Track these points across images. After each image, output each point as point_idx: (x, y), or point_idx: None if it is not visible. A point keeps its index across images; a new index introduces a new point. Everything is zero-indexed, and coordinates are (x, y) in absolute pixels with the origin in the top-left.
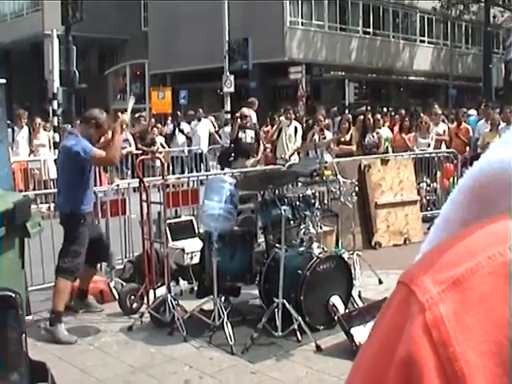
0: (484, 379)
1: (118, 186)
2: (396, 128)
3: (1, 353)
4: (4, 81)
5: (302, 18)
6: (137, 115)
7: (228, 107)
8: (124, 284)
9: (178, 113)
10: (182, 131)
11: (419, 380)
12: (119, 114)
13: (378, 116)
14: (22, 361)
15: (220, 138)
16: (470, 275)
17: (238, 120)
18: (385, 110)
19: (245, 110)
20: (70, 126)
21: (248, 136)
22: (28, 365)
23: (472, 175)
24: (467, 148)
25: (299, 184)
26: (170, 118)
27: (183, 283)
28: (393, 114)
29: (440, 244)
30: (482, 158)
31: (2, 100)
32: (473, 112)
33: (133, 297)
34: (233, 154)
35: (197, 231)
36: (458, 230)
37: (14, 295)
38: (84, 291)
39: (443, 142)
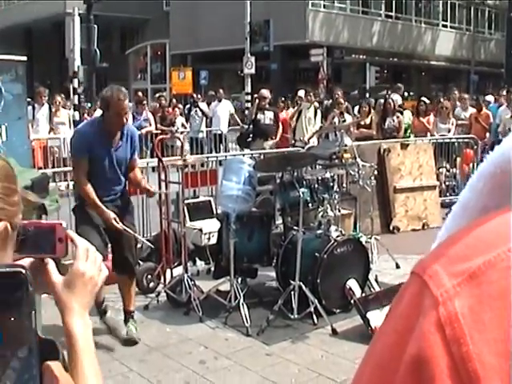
0: (500, 383)
1: None
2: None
3: (11, 329)
4: (25, 58)
5: (324, 0)
6: (157, 95)
7: (248, 89)
8: (141, 263)
9: (194, 95)
10: (200, 110)
11: (431, 380)
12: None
13: (399, 99)
14: (31, 338)
15: (245, 119)
16: (487, 268)
17: (257, 101)
18: (406, 94)
19: (264, 92)
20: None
21: (267, 117)
22: (37, 342)
23: (493, 161)
24: (487, 134)
25: (318, 167)
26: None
27: (200, 263)
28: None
29: (457, 233)
30: (503, 143)
31: (22, 77)
32: (490, 98)
33: (149, 276)
34: (251, 135)
35: (215, 212)
36: (477, 218)
37: (24, 271)
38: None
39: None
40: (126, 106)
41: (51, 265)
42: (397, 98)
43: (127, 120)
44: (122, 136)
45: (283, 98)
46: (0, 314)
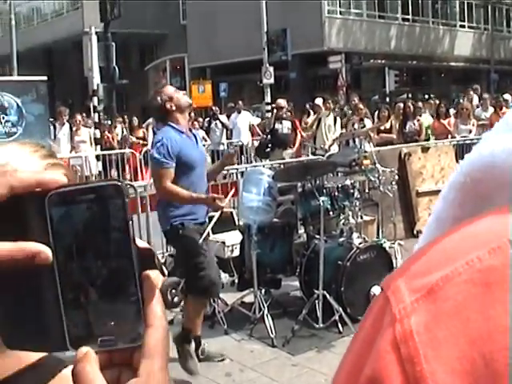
0: None
1: None
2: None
3: (109, 242)
4: (45, 78)
5: (340, 6)
6: None
7: (268, 99)
8: (165, 278)
9: (213, 108)
10: (221, 122)
11: None
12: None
13: (420, 104)
14: (129, 248)
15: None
16: (445, 283)
17: (275, 111)
18: (426, 97)
19: (281, 101)
20: (109, 121)
21: (285, 127)
22: (136, 251)
23: (463, 170)
24: None
25: (339, 174)
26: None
27: (224, 276)
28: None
29: (423, 247)
30: (472, 152)
31: (43, 97)
32: (508, 97)
33: (174, 290)
34: (270, 145)
35: (237, 224)
36: (449, 229)
37: (119, 183)
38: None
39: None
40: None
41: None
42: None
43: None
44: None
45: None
46: (99, 226)
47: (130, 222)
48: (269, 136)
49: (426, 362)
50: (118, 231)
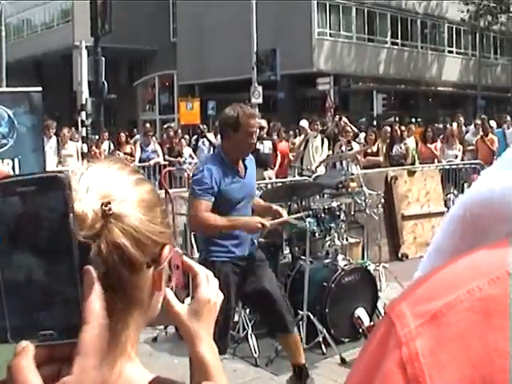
0: None
1: None
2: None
3: (48, 234)
4: (39, 89)
5: (330, 29)
6: (165, 126)
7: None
8: None
9: (201, 126)
10: (208, 141)
11: None
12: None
13: (403, 127)
14: (69, 241)
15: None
16: (447, 310)
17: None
18: (413, 121)
19: (261, 121)
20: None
21: (266, 147)
22: (77, 245)
23: (463, 205)
24: (494, 158)
25: (325, 196)
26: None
27: None
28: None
29: (426, 274)
30: (472, 187)
31: (37, 108)
32: (493, 123)
33: None
34: None
35: None
36: (449, 259)
37: (60, 176)
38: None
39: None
40: (257, 123)
41: (170, 294)
42: None
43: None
44: (245, 161)
45: (284, 129)
46: (39, 218)
47: (72, 215)
48: None
49: (432, 382)
50: (58, 224)
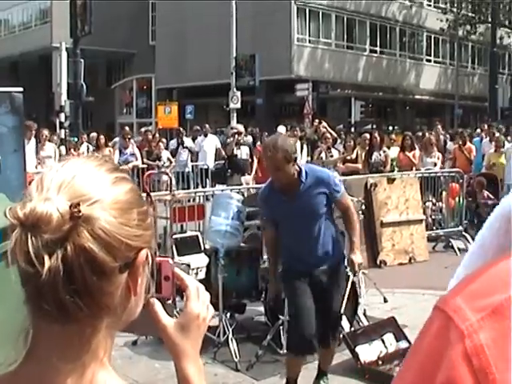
0: None
1: None
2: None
3: None
4: (21, 89)
5: (309, 35)
6: (143, 129)
7: (234, 123)
8: None
9: (181, 129)
10: (186, 147)
11: None
12: None
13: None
14: None
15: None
16: (509, 304)
17: (236, 136)
18: (390, 128)
19: (238, 126)
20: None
21: (243, 152)
22: None
23: (509, 203)
24: (472, 167)
25: None
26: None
27: None
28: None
29: (477, 271)
30: None
31: (18, 109)
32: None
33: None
34: (229, 171)
35: (203, 247)
36: (493, 256)
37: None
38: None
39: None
40: (275, 160)
41: (158, 306)
42: None
43: (288, 173)
44: (301, 184)
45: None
46: None
47: None
48: (227, 161)
49: (498, 372)
50: None
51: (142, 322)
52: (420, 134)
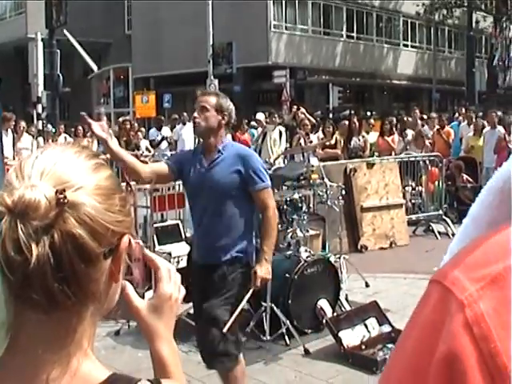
0: None
1: None
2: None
3: None
4: None
5: (286, 22)
6: (121, 119)
7: None
8: None
9: (162, 118)
10: (164, 138)
11: (462, 374)
12: None
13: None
14: None
15: None
16: (508, 273)
17: None
18: (368, 113)
19: None
20: (53, 129)
21: None
22: None
23: (502, 176)
24: (451, 151)
25: (284, 188)
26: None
27: None
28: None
29: (471, 243)
30: (510, 160)
31: None
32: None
33: None
34: None
35: (183, 235)
36: (487, 229)
37: None
38: None
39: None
40: (206, 100)
41: (130, 288)
42: None
43: (209, 121)
44: (218, 153)
45: (246, 121)
46: None
47: None
48: None
49: (499, 340)
50: None
51: (123, 307)
52: (395, 119)
